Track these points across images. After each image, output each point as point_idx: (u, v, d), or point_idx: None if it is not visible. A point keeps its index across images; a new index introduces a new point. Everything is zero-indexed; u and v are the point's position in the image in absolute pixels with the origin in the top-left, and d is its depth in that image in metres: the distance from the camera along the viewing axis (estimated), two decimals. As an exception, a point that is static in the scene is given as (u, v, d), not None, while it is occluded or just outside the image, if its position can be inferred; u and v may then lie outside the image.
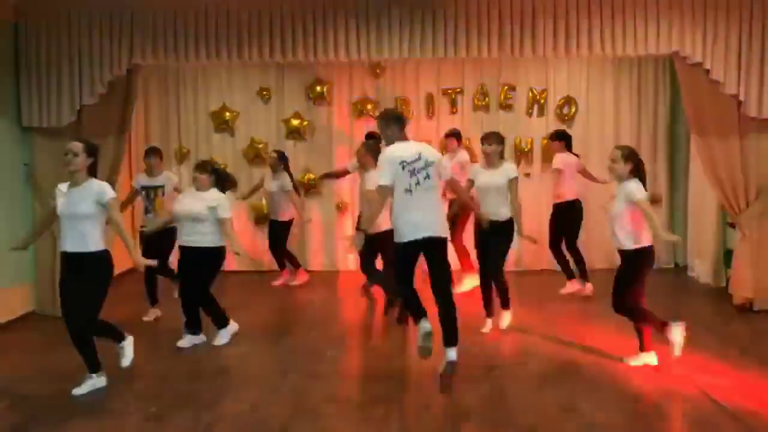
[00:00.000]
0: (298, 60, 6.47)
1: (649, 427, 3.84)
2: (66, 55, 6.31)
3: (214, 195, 5.40)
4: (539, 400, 4.28)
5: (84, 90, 6.33)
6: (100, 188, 4.33)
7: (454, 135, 7.45)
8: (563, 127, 8.05)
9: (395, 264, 4.63)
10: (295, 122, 8.57)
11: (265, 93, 8.61)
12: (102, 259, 4.37)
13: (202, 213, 5.28)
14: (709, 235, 7.46)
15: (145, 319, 6.27)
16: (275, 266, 7.90)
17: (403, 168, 4.40)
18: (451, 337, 4.49)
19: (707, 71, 6.18)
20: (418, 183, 4.42)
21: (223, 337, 5.51)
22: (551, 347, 5.30)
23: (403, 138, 4.58)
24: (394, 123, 4.57)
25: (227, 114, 8.60)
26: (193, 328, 5.49)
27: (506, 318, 5.75)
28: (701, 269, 7.68)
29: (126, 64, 6.32)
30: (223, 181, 5.59)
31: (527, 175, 8.22)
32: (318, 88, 8.53)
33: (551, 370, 4.82)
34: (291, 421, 3.96)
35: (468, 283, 7.11)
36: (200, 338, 5.53)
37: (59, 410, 4.15)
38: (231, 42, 6.29)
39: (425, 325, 4.38)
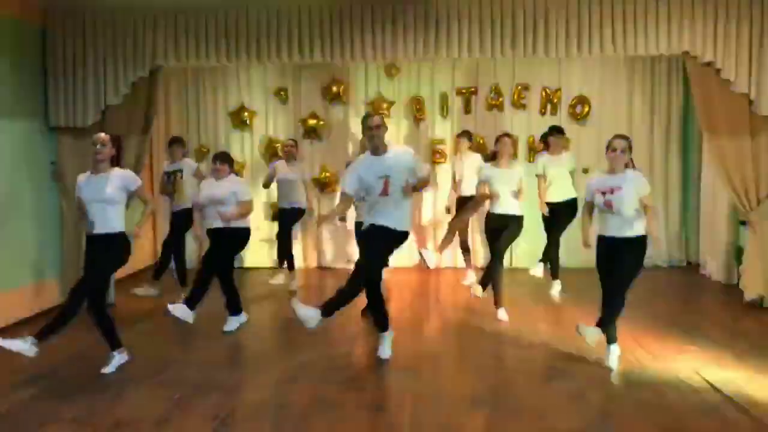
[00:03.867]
0: (316, 61, 6.63)
1: (658, 418, 3.93)
2: (91, 57, 6.54)
3: (233, 179, 5.79)
4: (548, 390, 4.40)
5: (108, 91, 6.56)
6: (127, 175, 4.74)
7: (465, 135, 7.58)
8: (575, 125, 8.13)
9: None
10: (312, 122, 8.74)
11: (282, 93, 8.79)
12: (121, 239, 4.70)
13: (224, 196, 5.62)
14: (721, 232, 7.52)
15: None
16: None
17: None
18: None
19: (718, 70, 6.25)
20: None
21: (231, 324, 5.75)
22: (558, 339, 5.41)
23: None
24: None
25: (245, 114, 8.79)
26: (233, 309, 5.79)
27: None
28: (713, 266, 7.74)
29: (149, 66, 6.53)
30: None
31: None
32: (334, 89, 8.70)
33: (559, 361, 4.93)
34: (309, 408, 4.11)
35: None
36: (243, 317, 5.86)
37: (85, 398, 4.33)
38: (250, 44, 6.48)
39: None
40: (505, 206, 5.93)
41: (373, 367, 4.89)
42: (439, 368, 4.87)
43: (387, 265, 5.12)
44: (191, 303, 5.51)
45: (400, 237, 4.81)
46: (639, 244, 4.66)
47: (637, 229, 4.63)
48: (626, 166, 4.73)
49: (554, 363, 4.92)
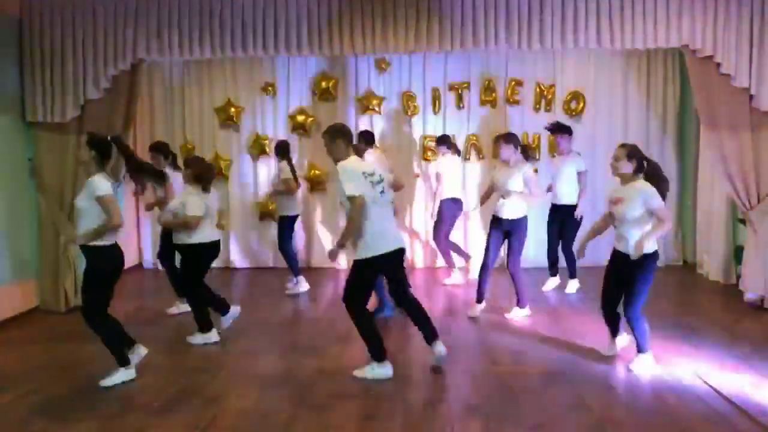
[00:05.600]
0: (303, 54, 6.41)
1: (659, 424, 3.76)
2: (70, 50, 6.29)
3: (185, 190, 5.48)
4: (546, 397, 4.21)
5: (88, 85, 6.31)
6: (96, 185, 4.27)
7: (443, 142, 7.58)
8: (569, 122, 7.98)
9: (367, 283, 4.54)
10: (301, 118, 8.52)
11: (270, 88, 8.55)
12: (97, 252, 4.30)
13: (175, 207, 5.39)
14: (718, 231, 7.36)
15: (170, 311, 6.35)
16: (280, 263, 7.80)
17: (365, 179, 4.39)
18: (431, 332, 4.64)
19: (718, 64, 6.09)
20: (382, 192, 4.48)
21: (196, 339, 5.40)
22: (557, 344, 5.23)
23: (350, 154, 4.51)
24: (341, 137, 4.47)
25: (232, 109, 8.55)
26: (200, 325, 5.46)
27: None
28: (711, 266, 7.59)
29: (130, 59, 6.29)
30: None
31: (535, 170, 8.05)
32: (323, 84, 8.48)
33: (558, 368, 4.75)
34: (295, 416, 3.91)
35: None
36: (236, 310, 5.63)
37: (63, 404, 4.12)
38: (236, 37, 6.24)
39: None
40: (511, 207, 5.86)
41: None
42: (435, 375, 4.66)
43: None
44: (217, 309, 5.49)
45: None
46: (646, 260, 4.41)
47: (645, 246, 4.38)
48: (635, 173, 4.48)
49: (553, 369, 4.73)
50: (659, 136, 8.43)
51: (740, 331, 5.58)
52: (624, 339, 4.90)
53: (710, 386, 4.28)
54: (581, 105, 8.40)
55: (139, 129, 8.47)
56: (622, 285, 4.53)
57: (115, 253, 4.39)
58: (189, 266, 5.39)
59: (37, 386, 4.45)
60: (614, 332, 4.88)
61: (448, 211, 7.40)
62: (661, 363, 4.70)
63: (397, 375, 4.60)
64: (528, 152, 6.25)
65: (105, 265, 4.32)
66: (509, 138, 5.97)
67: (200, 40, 6.26)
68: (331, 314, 6.28)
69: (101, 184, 4.24)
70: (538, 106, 8.46)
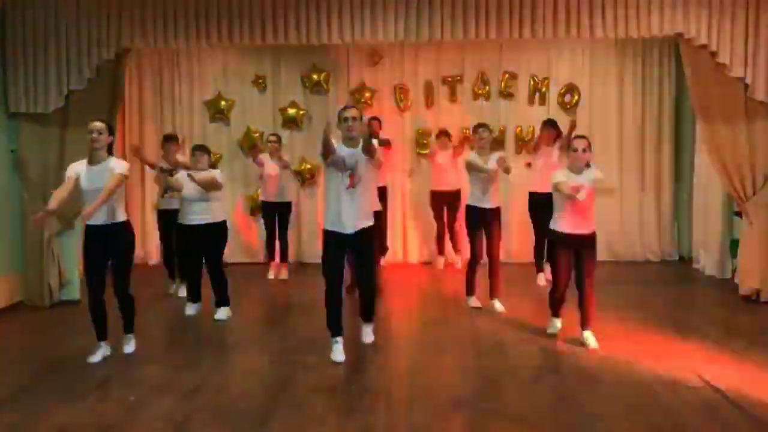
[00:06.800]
0: (291, 43, 6.28)
1: (652, 418, 3.64)
2: (53, 38, 6.16)
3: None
4: (534, 391, 4.09)
5: (72, 75, 6.19)
6: (116, 163, 4.57)
7: (444, 134, 7.75)
8: (564, 115, 7.88)
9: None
10: (292, 111, 8.40)
11: (260, 81, 8.43)
12: (126, 229, 4.69)
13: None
14: (714, 224, 7.25)
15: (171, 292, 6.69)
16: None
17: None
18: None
19: (713, 54, 5.98)
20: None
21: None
22: (547, 337, 5.11)
23: None
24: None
25: (222, 103, 8.43)
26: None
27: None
28: (706, 260, 7.47)
29: (114, 48, 6.16)
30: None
31: (528, 165, 7.93)
32: (315, 77, 8.36)
33: (548, 360, 4.64)
34: (275, 411, 3.78)
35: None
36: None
37: (37, 396, 4.01)
38: (222, 25, 6.12)
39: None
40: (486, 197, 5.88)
41: (345, 367, 4.55)
42: (418, 367, 4.54)
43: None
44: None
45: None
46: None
47: None
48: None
49: (543, 362, 4.62)
50: (655, 129, 8.30)
51: (736, 325, 5.47)
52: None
53: (705, 380, 4.16)
54: (575, 98, 8.28)
55: (127, 122, 8.35)
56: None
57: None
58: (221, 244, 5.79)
59: (11, 379, 4.33)
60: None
61: None
62: (653, 357, 4.58)
63: (381, 368, 4.48)
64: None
65: (134, 241, 4.81)
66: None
67: (186, 29, 6.14)
68: (318, 308, 6.15)
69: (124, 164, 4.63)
70: (532, 100, 8.34)
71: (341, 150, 4.57)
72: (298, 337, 5.22)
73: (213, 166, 5.88)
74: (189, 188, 5.59)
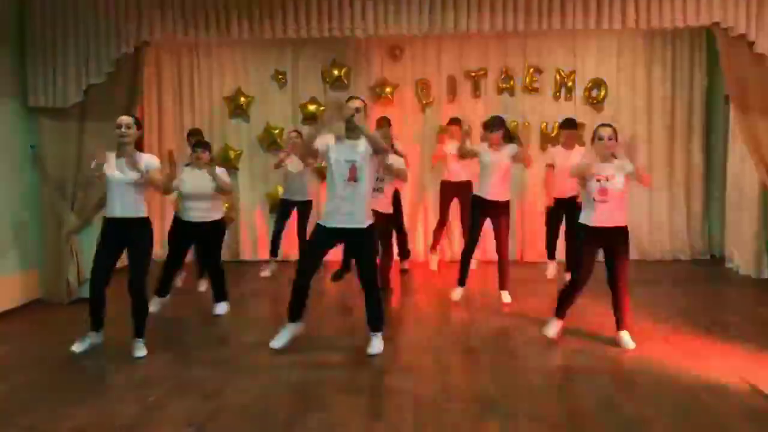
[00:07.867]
0: (312, 36, 6.14)
1: (695, 421, 3.45)
2: (72, 33, 6.08)
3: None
4: (570, 393, 3.91)
5: (91, 69, 6.09)
6: (148, 159, 4.60)
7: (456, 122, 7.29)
8: (591, 110, 7.66)
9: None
10: (312, 107, 8.26)
11: (281, 77, 8.31)
12: (148, 224, 4.65)
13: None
14: (749, 222, 6.99)
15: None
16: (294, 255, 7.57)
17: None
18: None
19: (751, 44, 5.74)
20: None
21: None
22: (578, 334, 4.92)
23: None
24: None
25: (242, 99, 8.32)
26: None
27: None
28: (741, 259, 7.21)
29: (134, 41, 6.07)
30: None
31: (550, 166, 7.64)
32: (335, 72, 8.22)
33: (580, 360, 4.45)
34: (298, 412, 3.64)
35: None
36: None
37: (58, 396, 3.90)
38: (242, 17, 6.01)
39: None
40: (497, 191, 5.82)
41: (369, 368, 4.38)
42: (446, 368, 4.38)
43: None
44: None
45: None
46: None
47: None
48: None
49: (575, 363, 4.43)
50: (685, 122, 8.06)
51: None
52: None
53: (750, 384, 3.94)
54: (603, 93, 8.06)
55: (147, 117, 8.26)
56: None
57: None
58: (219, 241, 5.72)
59: (31, 379, 4.23)
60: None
61: None
62: (694, 360, 4.38)
63: (408, 369, 4.32)
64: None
65: (152, 236, 4.71)
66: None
67: (206, 23, 6.04)
68: (338, 308, 6.02)
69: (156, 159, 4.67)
70: (558, 95, 8.13)
71: (342, 142, 4.51)
72: (320, 336, 5.06)
73: (212, 160, 5.76)
74: (196, 185, 5.46)
